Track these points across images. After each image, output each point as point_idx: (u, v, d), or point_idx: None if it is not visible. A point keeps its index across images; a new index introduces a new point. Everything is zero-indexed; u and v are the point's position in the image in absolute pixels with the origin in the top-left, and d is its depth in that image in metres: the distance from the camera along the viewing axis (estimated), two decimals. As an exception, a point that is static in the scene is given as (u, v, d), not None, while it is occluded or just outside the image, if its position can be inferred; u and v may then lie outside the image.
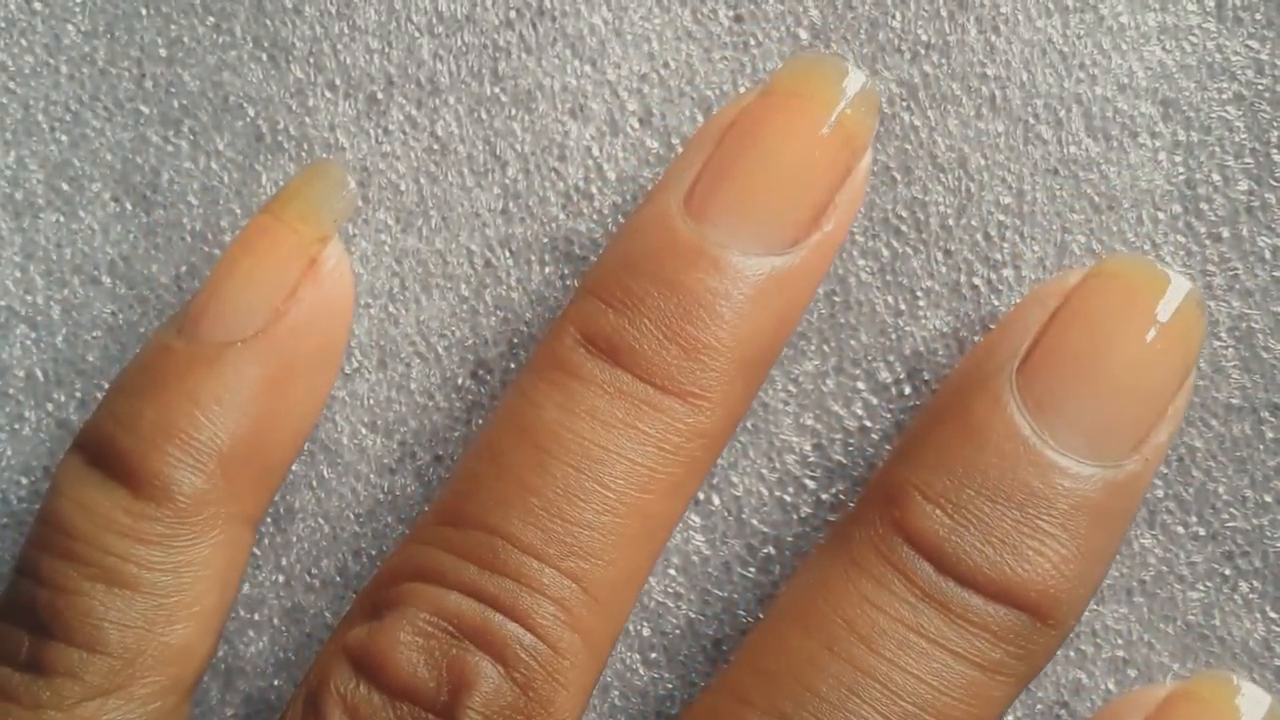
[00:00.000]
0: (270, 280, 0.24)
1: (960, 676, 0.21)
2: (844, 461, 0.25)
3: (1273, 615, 0.24)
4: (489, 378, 0.26)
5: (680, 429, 0.22)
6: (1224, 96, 0.25)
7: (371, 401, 0.26)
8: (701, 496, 0.25)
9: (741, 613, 0.25)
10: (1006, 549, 0.21)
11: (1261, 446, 0.24)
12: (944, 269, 0.25)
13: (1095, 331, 0.22)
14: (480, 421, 0.26)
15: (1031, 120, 0.25)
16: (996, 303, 0.25)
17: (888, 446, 0.25)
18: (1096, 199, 0.25)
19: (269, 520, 0.26)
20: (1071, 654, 0.24)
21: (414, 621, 0.22)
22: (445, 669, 0.21)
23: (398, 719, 0.21)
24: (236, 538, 0.24)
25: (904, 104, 0.25)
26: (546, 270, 0.26)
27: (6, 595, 0.23)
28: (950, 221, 0.25)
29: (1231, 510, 0.24)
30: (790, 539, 0.25)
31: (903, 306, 0.25)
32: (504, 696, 0.21)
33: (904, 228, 0.25)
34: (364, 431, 0.26)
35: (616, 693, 0.25)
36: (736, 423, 0.23)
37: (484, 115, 0.26)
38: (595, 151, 0.26)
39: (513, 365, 0.26)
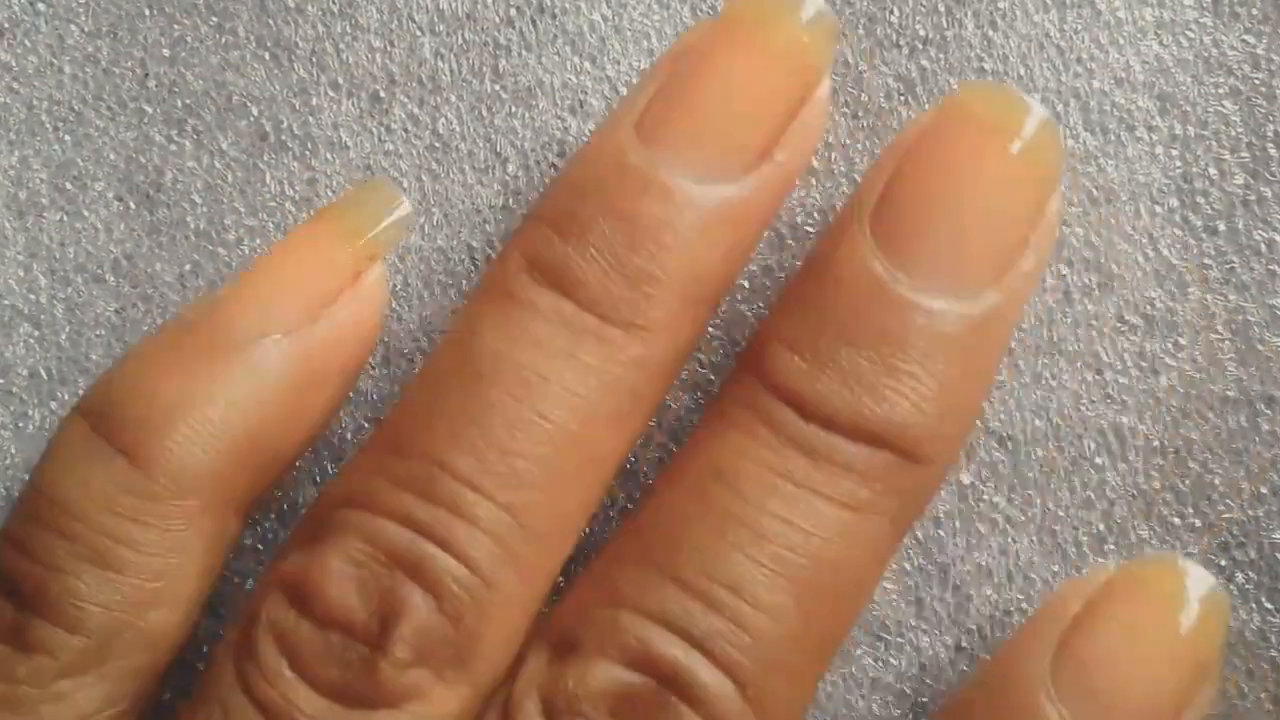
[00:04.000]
0: (314, 284, 0.23)
1: (829, 518, 0.21)
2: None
3: (1269, 606, 0.24)
4: (491, 373, 0.26)
5: (622, 360, 0.22)
6: (1221, 91, 0.25)
7: (375, 397, 0.26)
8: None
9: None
10: (864, 390, 0.21)
11: (1257, 439, 0.24)
12: (942, 263, 0.25)
13: (945, 164, 0.22)
14: (483, 417, 0.26)
15: (1029, 115, 0.25)
16: (995, 297, 0.25)
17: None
18: (1094, 192, 0.25)
19: (271, 515, 0.26)
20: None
21: (347, 550, 0.21)
22: (377, 599, 0.21)
23: (327, 649, 0.21)
24: (226, 528, 0.23)
25: (902, 98, 0.25)
26: (548, 266, 0.26)
27: None
28: (948, 216, 0.25)
29: (1228, 502, 0.24)
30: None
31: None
32: (434, 628, 0.21)
33: (903, 222, 0.25)
34: (367, 427, 0.26)
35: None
36: (683, 357, 0.23)
37: (485, 112, 0.26)
38: (595, 148, 0.26)
39: (515, 361, 0.26)
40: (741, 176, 0.22)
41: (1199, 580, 0.22)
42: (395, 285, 0.26)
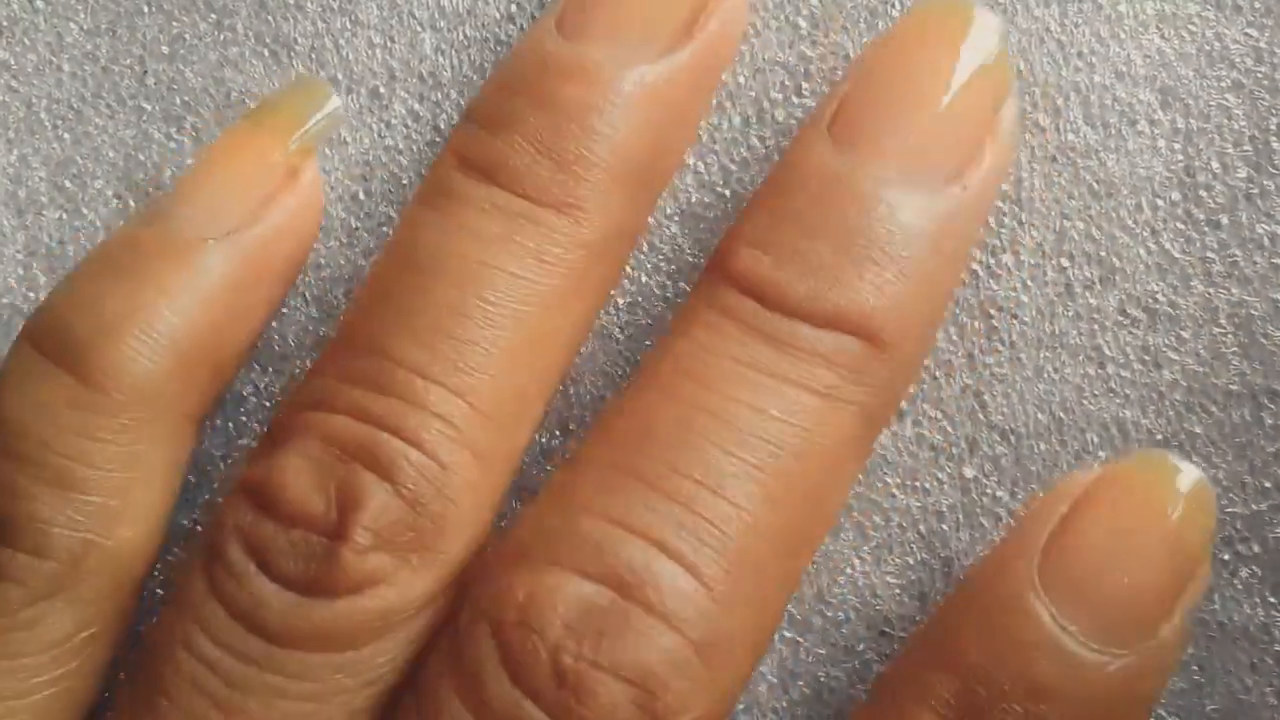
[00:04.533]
0: (250, 184, 0.24)
1: (795, 403, 0.21)
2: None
3: (1272, 600, 0.24)
4: (492, 370, 0.26)
5: (558, 240, 0.22)
6: (1223, 84, 0.25)
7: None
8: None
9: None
10: (826, 275, 0.22)
11: (1260, 432, 0.24)
12: (944, 258, 0.25)
13: (901, 69, 0.22)
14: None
15: (1029, 108, 0.25)
16: (995, 287, 0.25)
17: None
18: (1095, 186, 0.25)
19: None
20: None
21: (305, 450, 0.22)
22: (334, 491, 0.21)
23: (290, 545, 0.21)
24: (182, 436, 0.23)
25: (903, 94, 0.25)
26: (548, 262, 0.26)
27: None
28: (950, 210, 0.25)
29: (1231, 496, 0.24)
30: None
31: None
32: (394, 513, 0.21)
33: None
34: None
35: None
36: (626, 240, 0.23)
37: (485, 109, 0.26)
38: (596, 144, 0.26)
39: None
40: (663, 56, 0.23)
41: (1187, 475, 0.22)
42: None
